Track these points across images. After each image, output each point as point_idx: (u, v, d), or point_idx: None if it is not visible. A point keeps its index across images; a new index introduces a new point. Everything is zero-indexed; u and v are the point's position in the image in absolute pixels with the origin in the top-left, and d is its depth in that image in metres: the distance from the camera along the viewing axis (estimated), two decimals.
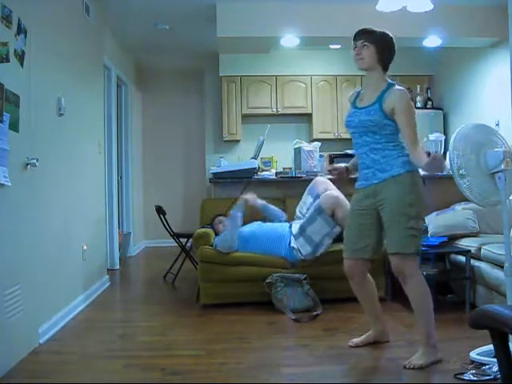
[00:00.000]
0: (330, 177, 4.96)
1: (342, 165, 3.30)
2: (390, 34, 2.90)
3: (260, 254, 4.14)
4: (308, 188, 4.40)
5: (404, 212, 2.77)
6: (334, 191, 4.12)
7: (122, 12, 5.57)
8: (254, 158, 5.13)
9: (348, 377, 2.75)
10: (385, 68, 2.91)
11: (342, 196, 4.06)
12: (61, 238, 3.79)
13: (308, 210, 4.24)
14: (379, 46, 2.86)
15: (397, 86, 2.86)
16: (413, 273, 2.82)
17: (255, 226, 4.30)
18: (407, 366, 2.73)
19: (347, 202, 3.80)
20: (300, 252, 4.07)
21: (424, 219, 2.91)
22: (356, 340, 3.12)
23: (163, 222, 5.42)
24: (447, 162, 2.83)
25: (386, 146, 2.84)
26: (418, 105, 6.96)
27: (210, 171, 5.69)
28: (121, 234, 6.67)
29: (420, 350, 2.80)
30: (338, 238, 4.09)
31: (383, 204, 2.84)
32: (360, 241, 2.96)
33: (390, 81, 2.90)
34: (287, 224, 4.30)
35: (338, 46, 6.54)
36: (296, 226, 4.19)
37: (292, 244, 4.10)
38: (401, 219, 2.77)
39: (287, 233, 4.17)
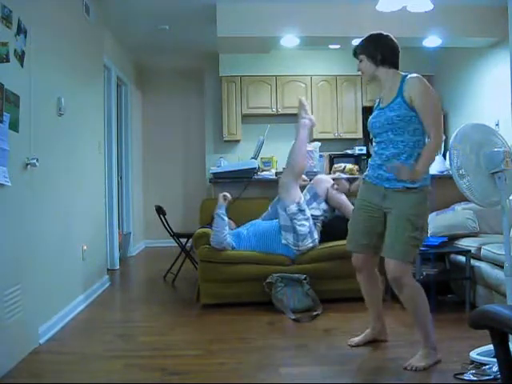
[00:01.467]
0: (332, 176, 5.00)
1: (347, 184, 3.29)
2: (375, 32, 2.92)
3: (259, 252, 4.15)
4: (308, 186, 4.41)
5: (411, 221, 2.75)
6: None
7: (122, 12, 5.57)
8: (254, 157, 5.14)
9: (348, 377, 2.75)
10: (392, 65, 2.89)
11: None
12: (61, 238, 3.79)
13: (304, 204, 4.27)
14: (368, 52, 2.89)
15: (411, 74, 2.83)
16: (408, 281, 2.81)
17: (252, 226, 4.31)
18: (408, 368, 2.73)
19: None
20: (291, 245, 4.09)
21: (427, 233, 2.91)
22: (356, 339, 3.12)
23: (163, 222, 5.42)
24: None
25: (412, 151, 2.78)
26: None
27: (210, 171, 5.69)
28: (121, 234, 6.67)
29: (420, 352, 2.79)
30: (335, 237, 4.13)
31: (392, 209, 2.81)
32: (366, 237, 2.94)
33: (403, 73, 2.89)
34: (276, 221, 4.29)
35: (338, 46, 6.54)
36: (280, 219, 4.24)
37: (283, 241, 4.13)
38: (407, 227, 2.75)
39: (277, 229, 4.18)
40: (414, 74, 2.83)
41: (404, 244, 2.76)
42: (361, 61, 2.92)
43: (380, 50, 2.88)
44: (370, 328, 3.15)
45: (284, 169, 4.54)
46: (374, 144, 3.00)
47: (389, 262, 2.81)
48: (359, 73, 2.98)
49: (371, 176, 2.94)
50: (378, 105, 2.97)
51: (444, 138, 5.52)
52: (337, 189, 4.19)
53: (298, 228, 4.09)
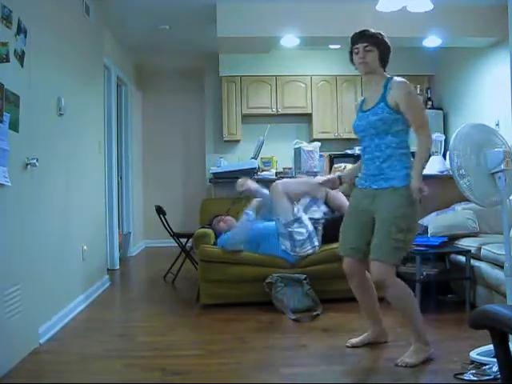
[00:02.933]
0: (328, 176, 5.00)
1: (335, 176, 3.27)
2: (382, 32, 2.91)
3: (260, 254, 4.15)
4: None
5: (395, 223, 2.75)
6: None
7: (122, 12, 5.57)
8: (254, 157, 5.14)
9: (348, 377, 2.75)
10: (384, 69, 2.92)
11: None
12: (61, 238, 3.79)
13: (304, 208, 4.26)
14: (381, 48, 2.86)
15: (395, 78, 2.85)
16: (392, 281, 2.82)
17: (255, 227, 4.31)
18: (399, 364, 2.74)
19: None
20: (288, 250, 4.08)
21: (414, 235, 2.89)
22: (353, 340, 3.11)
23: (163, 222, 5.42)
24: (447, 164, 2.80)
25: (394, 152, 2.80)
26: None
27: (210, 171, 5.70)
28: (121, 234, 6.67)
29: (411, 348, 2.82)
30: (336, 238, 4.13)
31: (377, 210, 2.83)
32: (355, 240, 2.95)
33: (387, 75, 2.90)
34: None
35: (338, 46, 6.54)
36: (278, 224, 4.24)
37: (282, 247, 4.12)
38: (391, 229, 2.76)
39: (276, 234, 4.17)
40: (398, 78, 2.85)
41: (387, 246, 2.76)
42: (370, 51, 2.83)
43: (388, 54, 2.90)
44: (370, 330, 3.13)
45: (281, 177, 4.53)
46: (360, 150, 3.01)
47: (373, 264, 2.82)
48: (363, 60, 2.84)
49: (361, 181, 2.97)
50: (361, 106, 2.98)
51: (444, 137, 5.55)
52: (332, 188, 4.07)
53: (295, 236, 4.08)
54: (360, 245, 2.93)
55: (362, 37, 2.87)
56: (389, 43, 2.90)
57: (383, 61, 2.89)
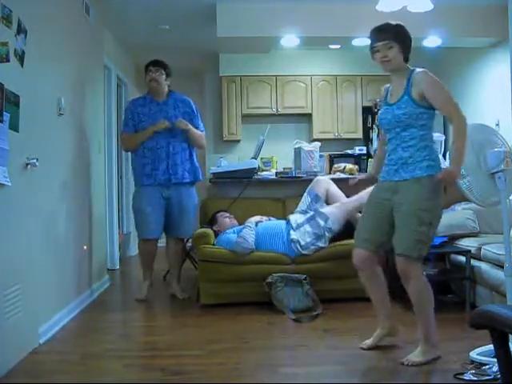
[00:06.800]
0: (331, 176, 5.00)
1: (363, 176, 3.26)
2: (402, 24, 2.87)
3: (260, 251, 4.15)
4: (308, 188, 4.42)
5: (417, 215, 2.73)
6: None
7: (122, 12, 5.56)
8: (254, 157, 5.14)
9: (348, 377, 2.75)
10: (406, 60, 2.89)
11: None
12: (61, 238, 3.79)
13: (307, 207, 4.29)
14: (402, 43, 2.82)
15: (416, 70, 2.83)
16: (415, 275, 2.81)
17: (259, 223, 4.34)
18: (405, 363, 2.74)
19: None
20: (299, 243, 4.08)
21: (435, 229, 2.87)
22: (368, 342, 3.05)
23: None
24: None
25: (418, 143, 2.80)
26: None
27: (210, 171, 5.69)
28: (121, 234, 6.67)
29: (419, 348, 2.80)
30: (340, 236, 4.14)
31: (399, 203, 2.80)
32: (370, 233, 2.93)
33: (409, 68, 2.87)
34: (283, 221, 4.33)
35: (338, 46, 6.54)
36: (295, 217, 4.27)
37: (292, 236, 4.11)
38: (413, 221, 2.74)
39: (284, 227, 4.20)
40: (420, 69, 2.84)
41: (409, 239, 2.76)
42: (391, 47, 2.79)
43: (409, 45, 2.86)
44: (380, 328, 3.08)
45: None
46: (387, 142, 3.00)
47: (397, 257, 2.81)
48: (385, 58, 2.79)
49: (383, 174, 2.95)
50: (386, 98, 2.96)
51: (444, 137, 5.55)
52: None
53: (326, 232, 4.14)
54: (374, 236, 2.92)
55: (380, 33, 2.82)
56: (408, 33, 2.86)
57: (405, 53, 2.85)
